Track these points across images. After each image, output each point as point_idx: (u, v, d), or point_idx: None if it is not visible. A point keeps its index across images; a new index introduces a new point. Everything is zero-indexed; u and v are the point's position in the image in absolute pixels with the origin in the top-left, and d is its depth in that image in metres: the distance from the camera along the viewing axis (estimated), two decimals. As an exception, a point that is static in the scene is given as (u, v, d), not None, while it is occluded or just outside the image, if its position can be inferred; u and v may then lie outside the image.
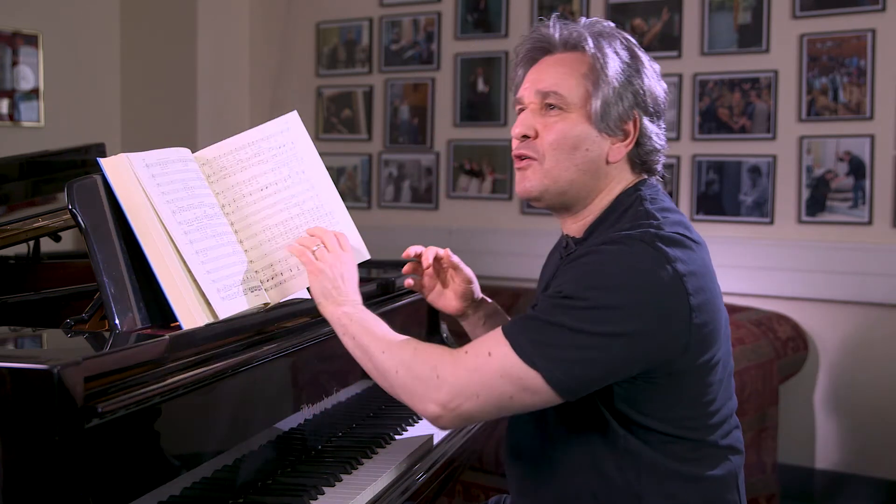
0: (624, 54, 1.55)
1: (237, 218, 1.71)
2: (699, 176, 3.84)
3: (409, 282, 1.87)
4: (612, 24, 1.61)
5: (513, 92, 1.66)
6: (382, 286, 2.16)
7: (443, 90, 4.33)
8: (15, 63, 4.03)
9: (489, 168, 4.22)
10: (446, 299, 1.86)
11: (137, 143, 4.29)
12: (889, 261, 3.50)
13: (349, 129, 4.58)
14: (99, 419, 1.22)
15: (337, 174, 4.61)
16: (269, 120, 1.81)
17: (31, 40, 4.08)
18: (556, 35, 1.58)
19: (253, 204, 1.71)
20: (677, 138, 3.87)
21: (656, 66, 1.61)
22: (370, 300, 2.12)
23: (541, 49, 1.61)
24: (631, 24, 3.94)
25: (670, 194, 3.87)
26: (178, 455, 1.42)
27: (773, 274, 3.67)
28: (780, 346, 3.44)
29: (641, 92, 1.55)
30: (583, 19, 1.61)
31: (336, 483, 1.63)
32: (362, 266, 2.46)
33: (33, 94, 4.11)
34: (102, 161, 1.55)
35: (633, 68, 1.55)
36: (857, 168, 3.58)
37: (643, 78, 1.56)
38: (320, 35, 4.62)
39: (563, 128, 1.54)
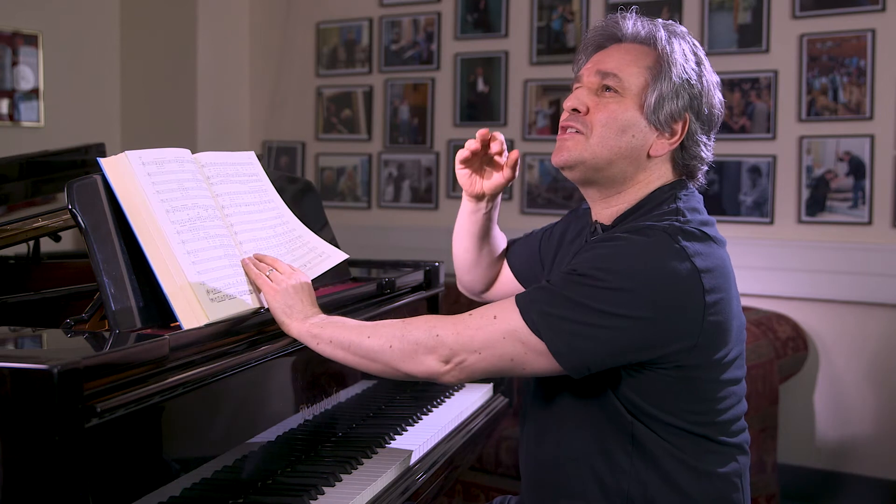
0: (691, 57, 1.58)
1: (236, 220, 1.71)
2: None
3: (474, 144, 1.79)
4: (686, 29, 1.63)
5: (573, 71, 1.68)
6: (382, 286, 2.16)
7: (443, 90, 4.33)
8: (15, 63, 4.03)
9: (489, 168, 4.22)
10: (478, 183, 1.82)
11: (137, 143, 4.29)
12: (889, 261, 3.50)
13: (349, 129, 4.58)
14: (99, 419, 1.22)
15: (337, 174, 4.62)
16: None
17: (31, 40, 4.08)
18: (630, 26, 1.62)
19: (245, 214, 1.74)
20: (677, 138, 3.87)
21: (716, 79, 1.63)
22: (370, 300, 2.12)
23: (611, 36, 1.64)
24: (631, 24, 3.94)
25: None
26: (178, 455, 1.42)
27: (773, 274, 3.67)
28: (780, 346, 3.44)
29: (699, 96, 1.57)
30: (659, 20, 1.64)
31: (336, 483, 1.63)
32: (362, 266, 2.48)
33: (33, 94, 4.11)
34: (102, 161, 1.55)
35: (696, 73, 1.57)
36: (857, 168, 3.58)
37: (703, 84, 1.58)
38: (320, 35, 4.62)
39: (616, 109, 1.56)
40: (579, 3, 4.05)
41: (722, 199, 3.81)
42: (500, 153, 1.80)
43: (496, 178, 1.81)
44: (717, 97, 1.61)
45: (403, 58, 4.43)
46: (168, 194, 1.58)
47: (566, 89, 4.03)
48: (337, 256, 1.89)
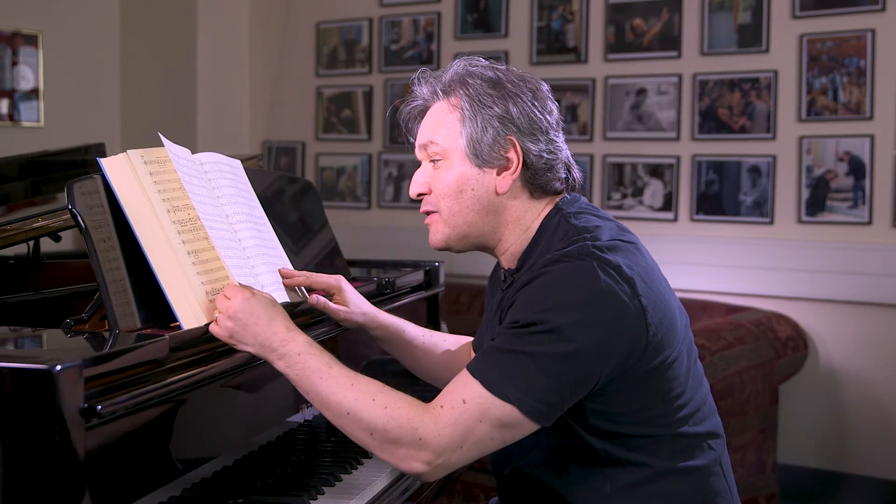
0: (484, 86, 1.55)
1: (236, 220, 1.71)
2: (699, 176, 3.84)
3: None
4: (481, 60, 1.61)
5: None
6: (382, 286, 2.16)
7: (443, 90, 4.33)
8: (15, 63, 4.03)
9: (489, 168, 4.22)
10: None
11: (137, 143, 4.25)
12: (889, 261, 3.50)
13: (349, 129, 4.58)
14: (99, 419, 1.22)
15: (337, 174, 4.62)
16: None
17: (31, 40, 4.08)
18: (424, 91, 1.62)
19: (246, 214, 1.74)
20: (677, 138, 3.87)
21: (543, 87, 1.60)
22: (370, 300, 2.12)
23: (421, 108, 1.64)
24: (631, 24, 3.94)
25: (668, 195, 3.88)
26: (178, 455, 1.42)
27: (773, 274, 3.67)
28: (780, 346, 3.44)
29: (507, 114, 1.54)
30: (458, 60, 1.62)
31: (336, 483, 1.63)
32: (362, 266, 2.47)
33: (33, 94, 4.11)
34: (102, 161, 1.55)
35: (494, 96, 1.54)
36: (857, 168, 3.58)
37: (510, 102, 1.54)
38: (320, 35, 4.62)
39: (445, 175, 1.57)
40: (579, 3, 4.05)
41: (722, 199, 3.81)
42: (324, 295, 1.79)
43: (342, 307, 1.80)
44: (540, 104, 1.57)
45: (403, 58, 4.43)
46: (169, 193, 1.58)
47: (566, 89, 4.05)
48: (294, 294, 1.79)
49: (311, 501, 1.55)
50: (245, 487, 1.56)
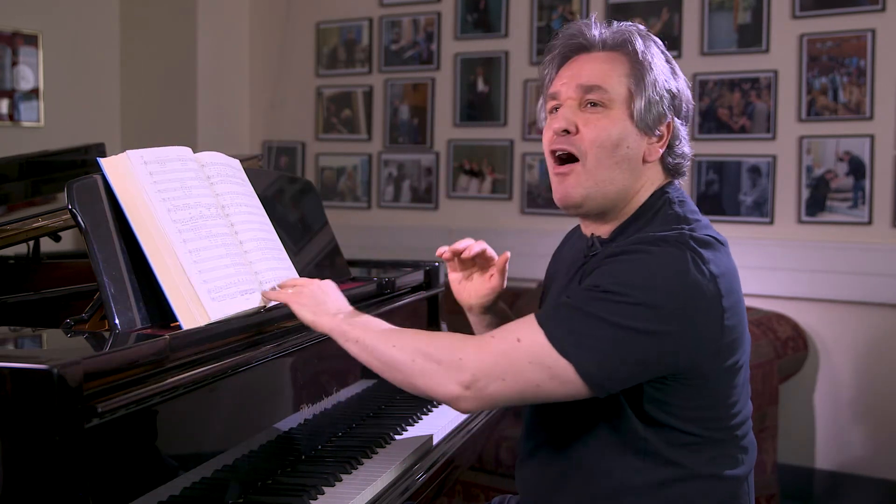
0: (662, 57, 1.58)
1: (237, 220, 1.71)
2: (699, 176, 3.84)
3: (444, 253, 1.78)
4: (645, 28, 1.62)
5: (543, 89, 1.64)
6: (382, 286, 2.16)
7: (443, 90, 4.33)
8: (15, 63, 4.03)
9: (489, 168, 4.22)
10: (465, 291, 1.81)
11: (137, 143, 4.27)
12: (889, 261, 3.50)
13: (349, 129, 4.58)
14: (99, 419, 1.22)
15: (337, 174, 4.62)
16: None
17: (31, 40, 4.08)
18: (597, 34, 1.59)
19: (246, 214, 1.74)
20: (677, 138, 3.87)
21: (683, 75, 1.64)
22: (370, 300, 2.12)
23: (577, 47, 1.60)
24: (631, 24, 3.94)
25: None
26: (177, 455, 1.42)
27: (773, 274, 3.67)
28: (780, 346, 3.44)
29: (677, 94, 1.57)
30: (616, 23, 1.62)
31: (336, 483, 1.63)
32: (362, 266, 2.47)
33: (33, 94, 4.11)
34: (102, 161, 1.55)
35: (670, 71, 1.58)
36: (857, 168, 3.58)
37: (678, 81, 1.58)
38: (320, 35, 4.62)
39: (607, 125, 1.53)
40: (579, 3, 4.04)
41: (722, 199, 3.81)
42: (484, 255, 1.77)
43: (484, 288, 1.78)
44: (689, 91, 1.62)
45: (403, 58, 4.43)
46: (170, 193, 1.58)
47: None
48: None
49: (310, 501, 1.55)
50: (245, 487, 1.56)
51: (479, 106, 4.25)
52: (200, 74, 4.44)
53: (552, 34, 1.65)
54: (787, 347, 3.48)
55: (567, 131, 1.53)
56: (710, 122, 3.82)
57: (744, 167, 3.77)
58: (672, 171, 1.60)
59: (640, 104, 1.53)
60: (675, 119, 1.58)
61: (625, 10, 3.96)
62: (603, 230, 1.59)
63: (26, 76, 4.08)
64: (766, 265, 3.67)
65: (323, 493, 1.58)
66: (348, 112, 4.57)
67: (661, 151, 1.57)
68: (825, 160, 3.63)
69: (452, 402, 1.42)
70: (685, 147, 1.60)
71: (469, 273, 1.80)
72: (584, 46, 1.59)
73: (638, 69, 1.54)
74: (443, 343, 1.44)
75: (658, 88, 1.54)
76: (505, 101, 4.17)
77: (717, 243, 1.49)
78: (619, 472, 1.49)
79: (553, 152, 1.56)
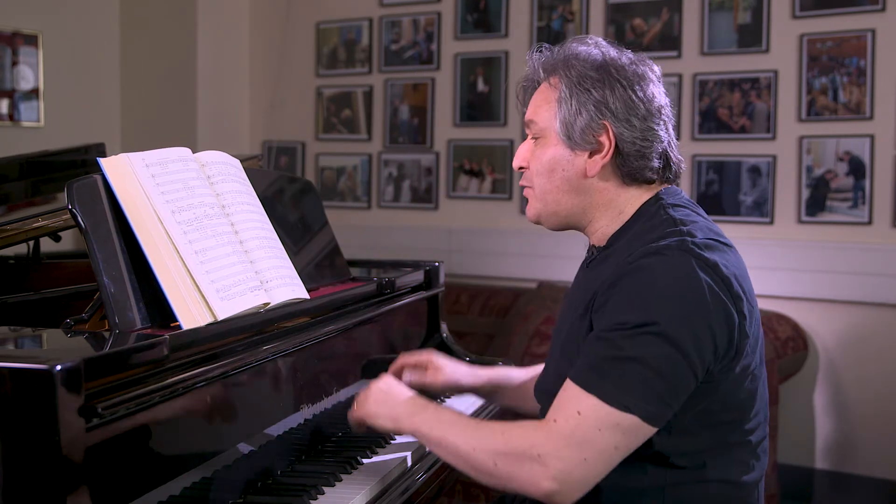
0: (585, 67, 1.55)
1: (237, 220, 1.71)
2: (699, 176, 3.84)
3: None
4: (594, 38, 1.62)
5: None
6: (382, 286, 2.16)
7: (443, 90, 4.33)
8: (15, 63, 4.03)
9: (489, 168, 4.22)
10: (436, 387, 1.92)
11: (137, 143, 4.29)
12: (889, 261, 3.50)
13: (349, 129, 4.58)
14: (99, 419, 1.22)
15: (337, 174, 4.62)
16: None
17: (31, 40, 4.08)
18: (533, 67, 1.65)
19: (246, 213, 1.73)
20: (677, 138, 3.86)
21: (652, 71, 1.60)
22: (370, 300, 2.12)
23: (533, 82, 1.66)
24: (631, 24, 3.94)
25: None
26: (178, 455, 1.42)
27: (773, 274, 3.67)
28: (780, 346, 3.44)
29: (604, 101, 1.54)
30: (573, 37, 1.64)
31: (336, 483, 1.63)
32: (362, 266, 2.47)
33: (33, 94, 4.11)
34: (102, 161, 1.55)
35: (594, 79, 1.54)
36: (857, 168, 3.58)
37: (610, 86, 1.54)
38: (320, 35, 4.62)
39: (540, 153, 1.60)
40: (579, 3, 4.05)
41: (722, 199, 3.81)
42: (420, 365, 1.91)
43: (438, 383, 1.91)
44: (643, 89, 1.56)
45: (403, 58, 4.43)
46: (173, 195, 1.58)
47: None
48: (299, 290, 1.78)
49: (311, 501, 1.55)
50: (245, 487, 1.56)
51: (479, 106, 4.25)
52: (200, 74, 4.44)
53: (550, 36, 1.67)
54: (787, 347, 3.48)
55: (522, 167, 1.64)
56: (710, 122, 3.82)
57: (744, 167, 3.77)
58: (628, 174, 1.57)
59: (557, 124, 1.57)
60: (616, 123, 1.54)
61: (625, 10, 3.96)
62: (595, 239, 1.64)
63: (26, 76, 4.08)
64: (766, 265, 3.67)
65: (323, 493, 1.58)
66: (348, 112, 4.57)
67: (605, 161, 1.55)
68: (825, 160, 3.63)
69: (551, 498, 1.41)
70: (641, 147, 1.55)
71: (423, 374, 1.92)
72: (535, 81, 1.66)
73: (557, 90, 1.57)
74: (516, 441, 1.43)
75: (577, 102, 1.54)
76: (505, 101, 4.17)
77: (721, 245, 1.48)
78: (628, 476, 1.48)
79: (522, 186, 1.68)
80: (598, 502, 1.49)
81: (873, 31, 3.54)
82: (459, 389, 1.94)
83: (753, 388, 1.51)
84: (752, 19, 3.74)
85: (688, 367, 1.39)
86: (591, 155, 1.56)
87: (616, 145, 1.55)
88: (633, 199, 1.58)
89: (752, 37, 3.74)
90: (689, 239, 1.45)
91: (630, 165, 1.56)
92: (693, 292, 1.40)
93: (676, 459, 1.47)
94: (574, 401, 1.41)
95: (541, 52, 1.64)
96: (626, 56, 1.59)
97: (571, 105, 1.55)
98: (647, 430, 1.40)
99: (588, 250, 1.68)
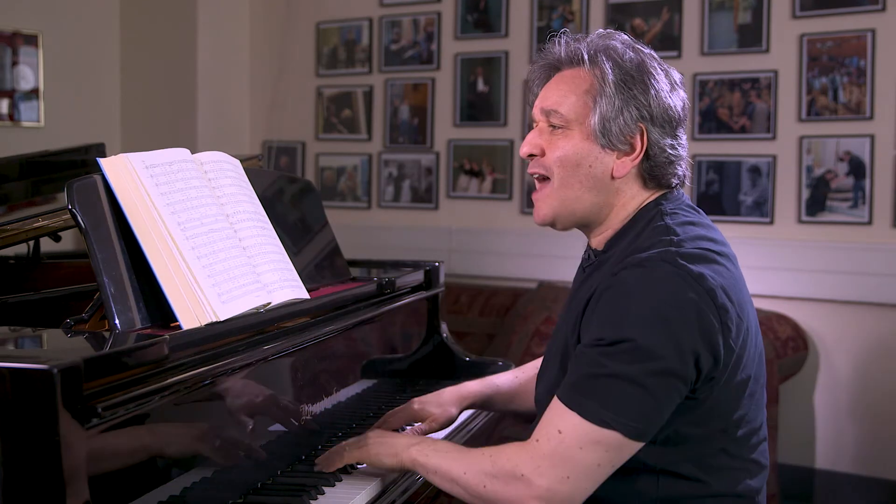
0: (628, 66, 1.53)
1: (237, 220, 1.71)
2: (699, 176, 3.84)
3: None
4: (623, 36, 1.59)
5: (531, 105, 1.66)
6: (382, 286, 2.16)
7: (443, 90, 4.33)
8: (15, 63, 4.03)
9: (489, 168, 4.22)
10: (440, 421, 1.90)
11: (137, 143, 4.29)
12: (889, 261, 3.50)
13: (349, 129, 4.58)
14: (99, 419, 1.22)
15: (337, 174, 4.62)
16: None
17: (31, 40, 4.08)
18: (562, 52, 1.59)
19: (245, 212, 1.73)
20: (677, 138, 3.87)
21: (676, 76, 1.59)
22: (370, 300, 2.12)
23: (551, 66, 1.61)
24: (631, 24, 3.94)
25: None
26: (178, 455, 1.42)
27: (773, 274, 3.67)
28: (780, 346, 3.44)
29: (646, 104, 1.52)
30: (598, 31, 1.61)
31: (336, 483, 1.63)
32: (362, 266, 2.47)
33: (33, 94, 4.11)
34: (102, 161, 1.55)
35: (637, 80, 1.52)
36: (857, 168, 3.58)
37: (651, 89, 1.53)
38: (320, 35, 4.62)
39: (565, 145, 1.54)
40: (579, 3, 4.05)
41: (722, 199, 3.81)
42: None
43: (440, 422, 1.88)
44: (676, 95, 1.56)
45: (403, 58, 4.43)
46: (173, 195, 1.58)
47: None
48: (299, 290, 1.78)
49: (310, 501, 1.55)
50: (245, 487, 1.56)
51: (479, 106, 4.25)
52: (200, 74, 4.44)
53: (548, 38, 1.64)
54: (787, 347, 3.48)
55: (533, 155, 1.58)
56: (710, 122, 3.82)
57: (744, 167, 3.77)
58: (653, 181, 1.56)
59: (594, 120, 1.52)
60: (652, 128, 1.53)
61: (625, 10, 3.96)
62: (595, 242, 1.62)
63: (26, 76, 4.08)
64: (766, 265, 3.67)
65: (323, 493, 1.59)
66: (348, 112, 4.57)
67: (634, 165, 1.54)
68: (825, 160, 3.63)
69: None
70: (670, 153, 1.55)
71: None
72: (555, 66, 1.60)
73: (593, 84, 1.53)
74: (502, 462, 1.44)
75: (617, 103, 1.51)
76: (505, 101, 4.17)
77: (709, 254, 1.46)
78: (622, 491, 1.48)
79: (534, 178, 1.61)
80: None
81: (873, 31, 3.54)
82: (458, 414, 1.92)
83: (750, 398, 1.49)
84: (753, 19, 3.74)
85: (669, 381, 1.38)
86: (619, 156, 1.54)
87: (647, 150, 1.53)
88: (641, 201, 1.57)
89: (752, 37, 3.74)
90: (673, 249, 1.44)
91: (658, 171, 1.55)
92: (672, 305, 1.38)
93: (674, 471, 1.47)
94: (556, 419, 1.41)
95: (565, 36, 1.59)
96: (655, 57, 1.58)
97: (615, 103, 1.51)
98: (631, 446, 1.40)
99: (585, 252, 1.66)
